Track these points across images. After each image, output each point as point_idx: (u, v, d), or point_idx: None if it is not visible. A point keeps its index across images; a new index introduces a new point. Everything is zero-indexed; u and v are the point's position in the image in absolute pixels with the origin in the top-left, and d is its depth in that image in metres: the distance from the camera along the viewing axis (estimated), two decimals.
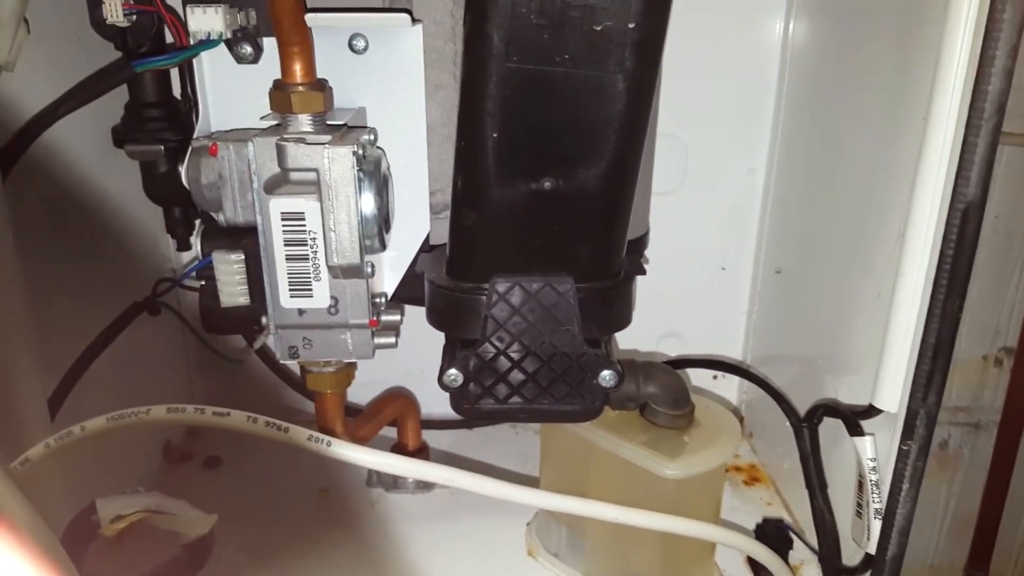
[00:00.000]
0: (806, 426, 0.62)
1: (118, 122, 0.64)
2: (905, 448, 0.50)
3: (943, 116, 0.46)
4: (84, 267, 0.64)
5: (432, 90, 0.56)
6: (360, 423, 0.65)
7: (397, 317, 0.58)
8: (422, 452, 0.73)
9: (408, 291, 0.60)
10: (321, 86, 0.52)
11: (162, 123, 0.64)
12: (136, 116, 0.64)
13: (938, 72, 0.46)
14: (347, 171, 0.49)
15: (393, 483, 0.73)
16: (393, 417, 0.70)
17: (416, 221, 0.59)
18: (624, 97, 0.44)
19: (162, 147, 0.64)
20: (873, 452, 0.54)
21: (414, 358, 0.71)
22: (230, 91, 0.57)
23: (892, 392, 0.52)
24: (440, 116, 0.57)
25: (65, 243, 0.61)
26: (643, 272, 0.56)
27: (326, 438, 0.48)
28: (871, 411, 0.54)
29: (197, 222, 0.59)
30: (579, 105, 0.45)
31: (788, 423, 0.65)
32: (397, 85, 0.56)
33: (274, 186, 0.51)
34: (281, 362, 0.56)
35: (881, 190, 0.56)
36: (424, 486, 0.72)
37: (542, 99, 0.45)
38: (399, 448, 0.73)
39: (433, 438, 0.79)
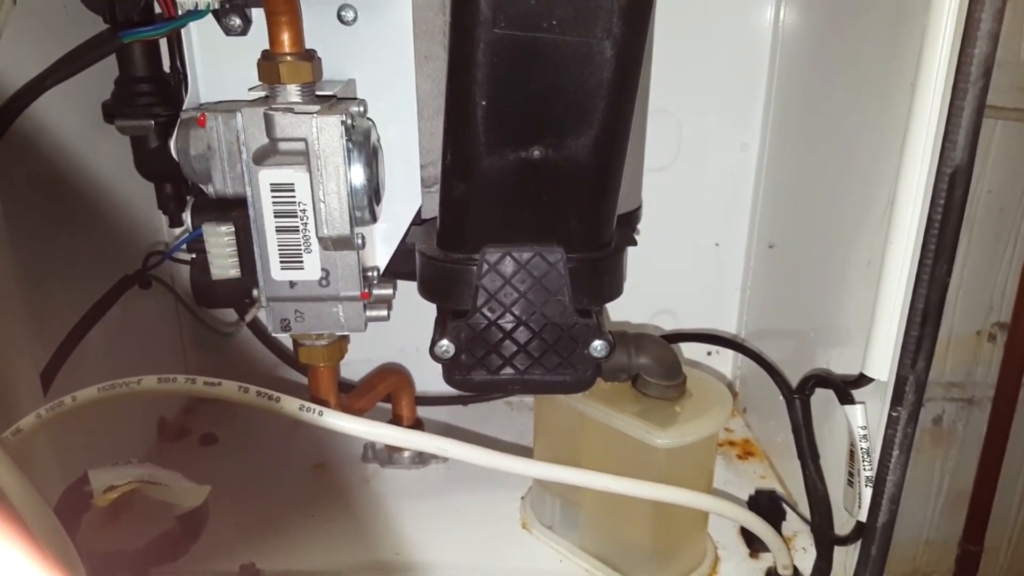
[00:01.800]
0: (798, 397, 0.62)
1: (108, 97, 0.64)
2: (895, 415, 0.50)
3: (930, 81, 0.46)
4: (75, 243, 0.64)
5: (422, 61, 0.56)
6: (354, 397, 0.65)
7: (389, 291, 0.58)
8: (417, 427, 0.73)
9: (401, 265, 0.60)
10: (310, 56, 0.52)
11: (152, 98, 0.64)
12: (126, 91, 0.64)
13: (925, 37, 0.46)
14: (336, 141, 0.49)
15: (388, 458, 0.73)
16: (387, 392, 0.70)
17: (408, 194, 0.59)
18: (612, 64, 0.44)
19: (152, 122, 0.63)
20: (864, 420, 0.54)
21: (409, 335, 0.72)
22: (219, 63, 0.56)
23: (882, 360, 0.53)
24: (430, 88, 0.57)
25: (56, 219, 0.61)
26: (634, 243, 0.56)
27: (318, 407, 0.48)
28: (862, 380, 0.54)
29: (189, 198, 0.59)
30: (567, 72, 0.44)
31: (781, 397, 0.65)
32: (386, 56, 0.56)
33: (263, 157, 0.51)
34: (273, 335, 0.56)
35: (870, 160, 0.56)
36: (419, 461, 0.73)
37: (530, 66, 0.44)
38: (394, 423, 0.73)
39: (428, 415, 0.79)
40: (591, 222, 0.51)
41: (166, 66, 0.62)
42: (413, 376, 0.77)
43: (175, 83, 0.62)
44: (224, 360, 0.80)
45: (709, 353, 0.85)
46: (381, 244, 0.61)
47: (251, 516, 0.67)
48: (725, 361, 0.86)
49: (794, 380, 0.66)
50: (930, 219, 0.47)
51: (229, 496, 0.69)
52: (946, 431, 0.96)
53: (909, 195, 0.49)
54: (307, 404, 0.47)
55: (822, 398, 0.62)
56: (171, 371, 0.79)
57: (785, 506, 0.65)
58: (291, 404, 0.47)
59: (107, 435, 0.68)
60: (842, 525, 0.59)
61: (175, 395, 0.50)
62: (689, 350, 0.83)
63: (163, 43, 0.62)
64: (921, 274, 0.47)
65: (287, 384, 0.77)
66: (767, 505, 0.65)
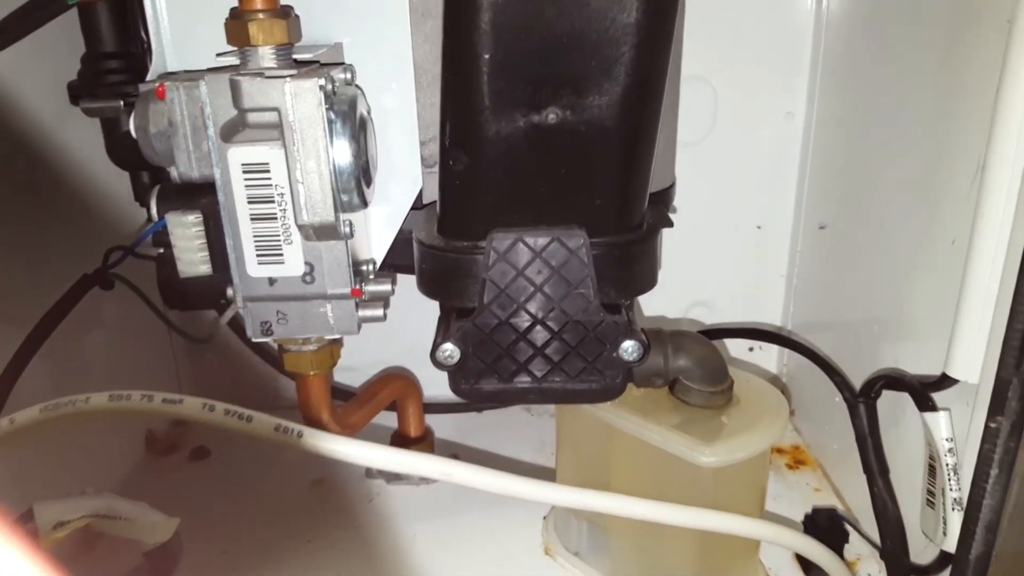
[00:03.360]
0: (863, 401, 0.54)
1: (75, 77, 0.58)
2: (994, 426, 0.41)
3: None
4: (42, 240, 0.57)
5: (419, 20, 0.48)
6: (351, 409, 0.57)
7: (387, 287, 0.51)
8: (425, 440, 0.66)
9: (401, 257, 0.53)
10: (285, 13, 0.44)
11: (122, 75, 0.58)
12: (93, 68, 0.57)
13: None
14: (313, 110, 0.41)
15: (395, 474, 0.65)
16: (391, 401, 0.62)
17: (409, 175, 0.52)
18: (642, 1, 0.36)
19: (122, 102, 0.57)
20: (949, 431, 0.45)
21: (418, 333, 0.64)
22: (190, 28, 0.49)
23: (971, 358, 0.44)
24: (429, 51, 0.49)
25: (20, 214, 0.55)
26: (670, 224, 0.48)
27: (296, 428, 0.40)
28: (944, 381, 0.45)
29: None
30: (587, 14, 0.36)
31: (839, 398, 0.57)
32: (378, 15, 0.48)
33: (232, 132, 0.43)
34: (253, 340, 0.48)
35: (950, 117, 0.47)
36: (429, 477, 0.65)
37: (542, 7, 0.36)
38: (399, 436, 0.66)
39: (438, 423, 0.71)
40: (619, 200, 0.43)
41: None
42: (424, 379, 0.69)
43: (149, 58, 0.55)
44: (221, 366, 0.73)
45: (751, 349, 0.77)
46: (378, 233, 0.53)
47: (242, 541, 0.60)
48: (769, 357, 0.77)
49: (853, 380, 0.57)
50: None
51: (218, 518, 0.62)
52: None
53: (1007, 155, 0.40)
54: (284, 424, 0.40)
55: (888, 400, 0.53)
56: (160, 381, 0.75)
57: (848, 526, 0.57)
58: (265, 424, 0.40)
59: (87, 450, 0.61)
60: (918, 552, 0.51)
61: (130, 414, 0.43)
62: (729, 346, 0.74)
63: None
64: None
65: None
66: (826, 525, 0.57)
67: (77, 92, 0.57)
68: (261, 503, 0.64)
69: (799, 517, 0.60)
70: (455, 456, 0.68)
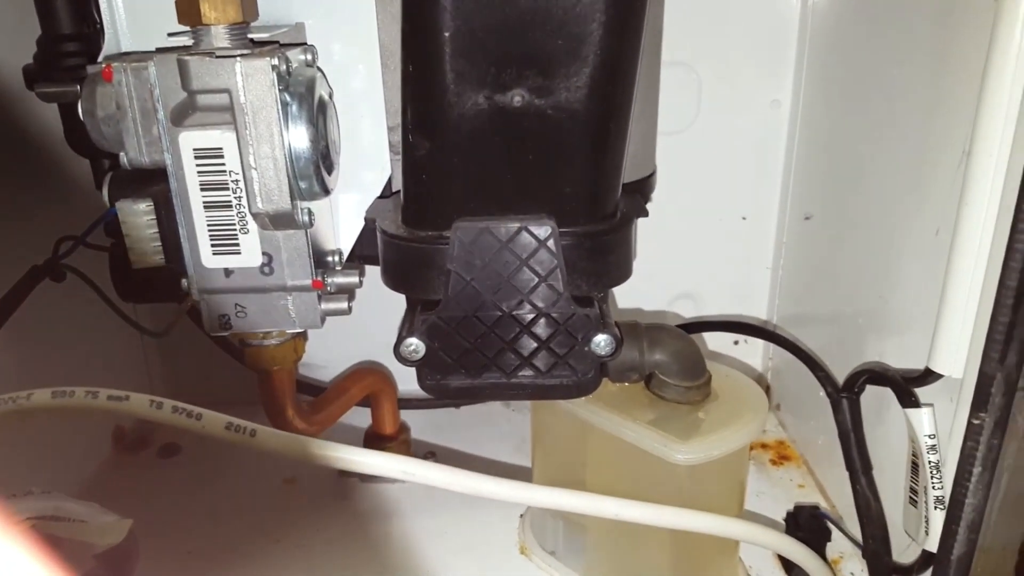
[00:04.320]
0: (846, 396, 0.52)
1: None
2: (977, 422, 0.40)
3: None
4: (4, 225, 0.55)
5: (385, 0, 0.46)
6: (319, 405, 0.55)
7: (354, 279, 0.49)
8: (400, 437, 0.64)
9: (370, 247, 0.50)
10: None
11: (80, 58, 0.55)
12: (49, 51, 0.55)
13: None
14: (266, 92, 0.39)
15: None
16: (363, 396, 0.61)
17: (379, 160, 0.50)
18: None
19: (79, 86, 0.55)
20: (932, 427, 0.44)
21: (393, 327, 0.62)
22: (143, 4, 0.47)
23: (955, 352, 0.42)
24: (396, 32, 0.47)
25: None
26: (645, 213, 0.46)
27: (250, 426, 0.38)
28: (928, 376, 0.44)
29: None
30: None
31: (823, 393, 0.55)
32: None
33: (182, 116, 0.41)
34: (211, 335, 0.46)
35: (935, 104, 0.45)
36: None
37: None
38: (374, 433, 0.64)
39: (414, 419, 0.70)
40: (590, 188, 0.41)
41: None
42: (400, 374, 0.67)
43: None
44: (193, 357, 0.70)
45: (736, 342, 0.75)
46: (346, 222, 0.51)
47: (209, 541, 0.58)
48: (755, 350, 0.76)
49: (839, 374, 0.56)
50: None
51: (186, 517, 0.60)
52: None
53: (992, 142, 0.38)
54: (235, 422, 0.38)
55: (873, 395, 0.52)
56: (130, 374, 0.72)
57: (830, 524, 0.55)
58: (216, 422, 0.38)
59: (51, 447, 0.59)
60: (901, 550, 0.49)
61: (75, 412, 0.41)
62: (713, 339, 0.73)
63: None
64: (1014, 243, 0.37)
65: None
66: (808, 523, 0.55)
67: (33, 76, 0.55)
68: (231, 502, 0.63)
69: (782, 514, 0.58)
70: (432, 454, 0.67)
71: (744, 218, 0.71)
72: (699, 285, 0.74)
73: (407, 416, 0.68)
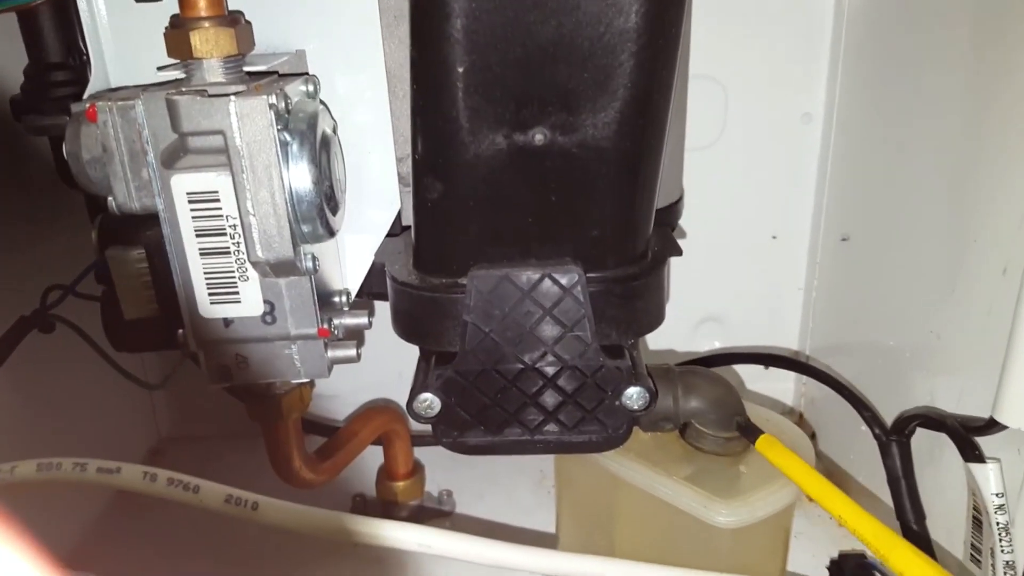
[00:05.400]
0: (895, 440, 0.48)
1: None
2: None
3: None
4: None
5: (391, 23, 0.43)
6: (327, 452, 0.52)
7: (363, 320, 0.45)
8: (415, 476, 0.61)
9: (379, 285, 0.47)
10: (234, 20, 0.38)
11: (70, 87, 0.52)
12: (37, 82, 0.52)
13: None
14: (263, 132, 0.35)
15: (383, 514, 0.60)
16: (375, 437, 0.57)
17: (387, 195, 0.46)
18: (642, 4, 0.30)
19: (67, 117, 0.52)
20: (999, 485, 0.40)
21: (406, 358, 0.58)
22: (131, 38, 0.44)
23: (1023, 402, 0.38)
24: (404, 58, 0.44)
25: None
26: (679, 252, 0.42)
27: (251, 499, 0.35)
28: (992, 426, 0.40)
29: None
30: (577, 18, 0.31)
31: (865, 427, 0.51)
32: (345, 19, 0.43)
33: (174, 158, 0.38)
34: (212, 387, 0.43)
35: (994, 121, 0.41)
36: (418, 519, 0.60)
37: (524, 10, 0.31)
38: (387, 473, 0.61)
39: (430, 455, 0.66)
40: (619, 230, 0.38)
41: None
42: None
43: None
44: (204, 392, 0.67)
45: (767, 367, 0.71)
46: (353, 259, 0.48)
47: None
48: (787, 375, 0.71)
49: (882, 410, 0.52)
50: None
51: (195, 554, 0.57)
52: None
53: None
54: (235, 494, 0.35)
55: (925, 436, 0.48)
56: (135, 414, 0.70)
57: (879, 575, 0.51)
58: (214, 494, 0.35)
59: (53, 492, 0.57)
60: None
61: (61, 484, 0.38)
62: (742, 369, 0.69)
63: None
64: None
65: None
66: (854, 573, 0.51)
67: (21, 107, 0.52)
68: (234, 548, 0.59)
69: (823, 559, 0.54)
70: (448, 492, 0.64)
71: (774, 237, 0.68)
72: (726, 307, 0.70)
73: (421, 452, 0.65)
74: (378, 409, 0.58)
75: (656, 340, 0.70)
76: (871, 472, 0.50)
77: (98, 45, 0.44)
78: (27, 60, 0.51)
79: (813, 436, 0.69)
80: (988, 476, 0.40)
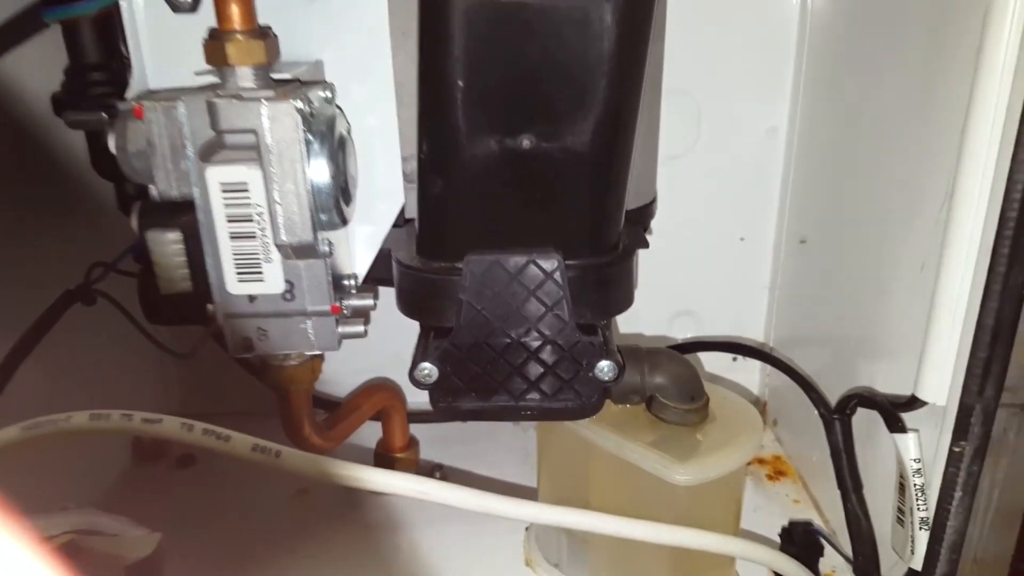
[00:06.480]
0: (837, 418, 0.54)
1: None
2: (958, 450, 0.42)
3: (1000, 44, 0.38)
4: (27, 253, 0.57)
5: (399, 39, 0.49)
6: (332, 421, 0.58)
7: (369, 301, 0.51)
8: (409, 450, 0.67)
9: (384, 271, 0.53)
10: (263, 33, 0.44)
11: (107, 87, 0.58)
12: (77, 80, 0.57)
13: None
14: (291, 132, 0.41)
15: None
16: (375, 412, 0.63)
17: (392, 191, 0.52)
18: (614, 31, 0.36)
19: (104, 114, 0.57)
20: (917, 452, 0.46)
21: (403, 342, 0.64)
22: (169, 45, 0.49)
23: (939, 381, 0.45)
24: (411, 69, 0.49)
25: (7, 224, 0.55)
26: (646, 245, 0.48)
27: (275, 448, 0.41)
28: (913, 403, 0.46)
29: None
30: (560, 43, 0.37)
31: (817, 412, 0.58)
32: (359, 34, 0.49)
33: (210, 152, 0.43)
34: (234, 356, 0.49)
35: (923, 142, 0.47)
36: None
37: (515, 37, 0.37)
38: (384, 446, 0.66)
39: (424, 432, 0.72)
40: (594, 222, 0.44)
41: None
42: (409, 388, 0.69)
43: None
44: (211, 370, 0.73)
45: (735, 359, 0.77)
46: (361, 247, 0.53)
47: (225, 551, 0.60)
48: (753, 366, 0.78)
49: (832, 393, 0.58)
50: (1003, 216, 0.39)
51: (202, 527, 0.63)
52: (997, 440, 0.87)
53: (972, 186, 0.41)
54: (262, 444, 0.41)
55: (866, 416, 0.54)
56: (146, 384, 0.75)
57: (823, 540, 0.57)
58: (243, 444, 0.41)
59: (75, 457, 0.62)
60: (889, 567, 0.51)
61: (110, 434, 0.44)
62: (713, 357, 0.75)
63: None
64: (992, 283, 0.39)
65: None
66: (802, 539, 0.57)
67: (61, 104, 0.58)
68: (245, 512, 0.65)
69: (777, 529, 0.60)
70: (440, 467, 0.69)
71: (742, 239, 0.74)
72: (699, 303, 0.77)
73: (416, 429, 0.70)
74: (378, 386, 0.64)
75: (635, 330, 0.76)
76: (824, 453, 0.56)
77: (139, 51, 0.49)
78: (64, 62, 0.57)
79: (776, 423, 0.75)
80: (908, 444, 0.46)
